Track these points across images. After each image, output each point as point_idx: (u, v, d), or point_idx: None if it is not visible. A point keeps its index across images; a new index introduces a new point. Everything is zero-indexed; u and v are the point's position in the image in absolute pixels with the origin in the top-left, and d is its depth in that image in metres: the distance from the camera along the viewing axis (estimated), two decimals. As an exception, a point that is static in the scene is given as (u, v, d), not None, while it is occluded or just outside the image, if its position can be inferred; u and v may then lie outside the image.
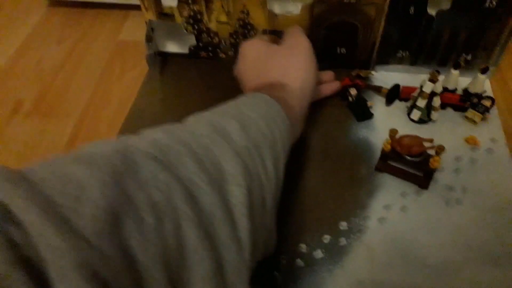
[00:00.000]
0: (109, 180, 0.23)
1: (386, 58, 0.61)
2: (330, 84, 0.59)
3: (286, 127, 0.41)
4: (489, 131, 0.55)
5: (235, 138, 0.34)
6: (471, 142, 0.54)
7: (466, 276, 0.43)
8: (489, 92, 0.59)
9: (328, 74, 0.60)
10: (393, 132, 0.48)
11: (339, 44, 0.61)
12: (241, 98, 0.42)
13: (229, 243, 0.28)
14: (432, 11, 0.54)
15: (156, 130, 0.32)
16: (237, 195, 0.30)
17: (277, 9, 0.58)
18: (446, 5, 0.53)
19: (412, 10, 0.55)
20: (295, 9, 0.57)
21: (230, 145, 0.32)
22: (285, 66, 0.48)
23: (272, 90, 0.44)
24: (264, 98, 0.41)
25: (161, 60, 0.67)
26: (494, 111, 0.57)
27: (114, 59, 0.71)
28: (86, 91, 0.66)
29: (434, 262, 0.44)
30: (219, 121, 0.35)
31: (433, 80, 0.51)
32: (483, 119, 0.55)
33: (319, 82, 0.57)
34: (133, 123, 0.59)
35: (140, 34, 0.64)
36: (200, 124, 0.34)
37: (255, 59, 0.50)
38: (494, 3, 0.52)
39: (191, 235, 0.25)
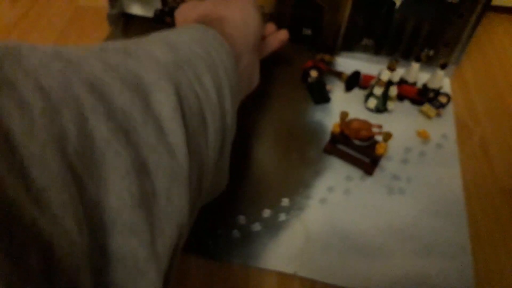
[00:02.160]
0: None
1: (351, 45, 0.61)
2: (275, 35, 0.53)
3: (227, 53, 0.36)
4: (441, 127, 0.56)
5: (159, 55, 0.29)
6: (423, 136, 0.54)
7: (398, 263, 0.43)
8: (447, 90, 0.60)
9: (269, 26, 0.54)
10: (343, 115, 0.48)
11: (305, 25, 0.60)
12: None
13: (155, 146, 0.24)
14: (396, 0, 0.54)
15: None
16: (163, 100, 0.26)
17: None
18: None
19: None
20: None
21: (152, 59, 0.28)
22: (224, 3, 0.43)
23: (208, 22, 0.39)
24: (195, 25, 0.37)
25: (124, 22, 0.65)
26: (449, 109, 0.58)
27: (71, 25, 0.68)
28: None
29: (368, 247, 0.44)
30: (140, 42, 0.31)
31: (391, 68, 0.51)
32: (438, 114, 0.56)
33: (263, 37, 0.52)
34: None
35: None
36: (114, 44, 0.29)
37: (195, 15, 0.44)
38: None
39: (100, 126, 0.22)
